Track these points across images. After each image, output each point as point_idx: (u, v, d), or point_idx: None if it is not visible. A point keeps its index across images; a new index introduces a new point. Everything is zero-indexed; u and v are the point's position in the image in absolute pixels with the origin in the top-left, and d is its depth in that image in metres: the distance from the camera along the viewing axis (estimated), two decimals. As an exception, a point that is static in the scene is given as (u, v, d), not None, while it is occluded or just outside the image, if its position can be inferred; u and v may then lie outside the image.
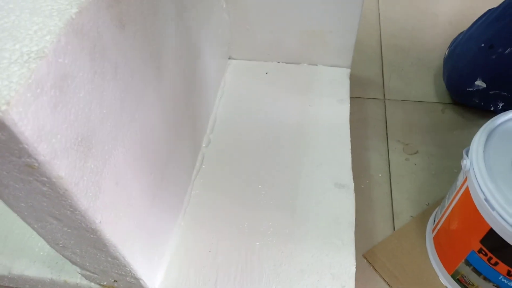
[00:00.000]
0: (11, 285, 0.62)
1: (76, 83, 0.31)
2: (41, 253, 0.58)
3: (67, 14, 0.30)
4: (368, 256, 0.63)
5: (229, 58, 0.83)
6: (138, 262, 0.46)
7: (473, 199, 0.47)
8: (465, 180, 0.50)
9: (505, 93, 0.73)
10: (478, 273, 0.51)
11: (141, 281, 0.49)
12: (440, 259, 0.59)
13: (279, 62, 0.81)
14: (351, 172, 0.63)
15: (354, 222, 0.58)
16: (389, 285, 0.60)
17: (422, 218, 0.66)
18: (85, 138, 0.33)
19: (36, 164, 0.29)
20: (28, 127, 0.26)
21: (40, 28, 0.29)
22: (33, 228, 0.41)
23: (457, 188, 0.52)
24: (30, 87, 0.26)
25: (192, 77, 0.61)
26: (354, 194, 0.60)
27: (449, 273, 0.57)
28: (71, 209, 0.34)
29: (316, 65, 0.80)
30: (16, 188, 0.33)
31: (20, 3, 0.31)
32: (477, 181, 0.46)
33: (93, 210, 0.35)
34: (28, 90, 0.26)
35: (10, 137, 0.26)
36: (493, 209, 0.44)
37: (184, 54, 0.56)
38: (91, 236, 0.38)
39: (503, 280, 0.50)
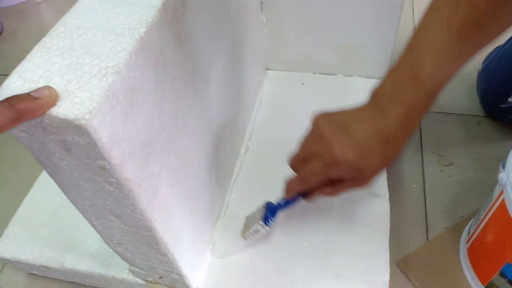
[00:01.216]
0: (61, 278, 0.66)
1: (142, 95, 0.34)
2: (91, 249, 0.62)
3: (136, 33, 0.34)
4: (401, 265, 0.64)
5: (266, 69, 0.86)
6: (184, 260, 0.49)
7: (509, 211, 0.48)
8: (501, 193, 0.50)
9: (538, 110, 0.73)
10: (514, 285, 0.52)
11: (185, 278, 0.52)
12: (474, 271, 0.59)
13: (314, 73, 0.84)
14: (386, 182, 0.65)
15: (388, 231, 0.59)
16: (422, 294, 0.61)
17: (456, 229, 0.67)
18: (148, 144, 0.36)
19: (108, 167, 0.32)
20: (105, 133, 0.30)
21: (114, 45, 0.33)
22: (92, 225, 0.45)
23: (493, 201, 0.53)
24: (108, 98, 0.30)
25: (234, 87, 0.65)
26: (389, 203, 0.62)
27: (483, 284, 0.58)
28: (132, 208, 0.37)
29: (351, 76, 0.82)
30: (84, 188, 0.37)
31: (95, 22, 0.35)
32: (514, 194, 0.47)
33: (151, 209, 0.39)
34: (106, 101, 0.30)
35: (89, 142, 0.30)
36: (530, 222, 0.45)
37: (228, 65, 0.59)
38: (146, 233, 0.42)
39: (538, 293, 0.50)
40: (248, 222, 0.58)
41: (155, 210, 0.40)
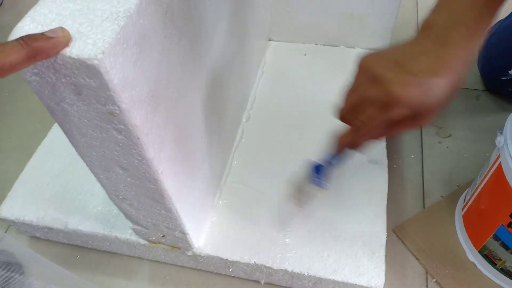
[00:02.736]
0: (64, 241, 0.68)
1: (151, 44, 0.35)
2: (94, 211, 0.63)
3: (146, -19, 0.34)
4: (397, 231, 0.65)
5: (269, 40, 0.86)
6: (188, 217, 0.50)
7: (505, 174, 0.49)
8: (498, 156, 0.52)
9: (539, 82, 0.74)
10: (506, 247, 0.54)
11: (187, 236, 0.53)
12: (469, 236, 0.61)
13: (317, 44, 0.84)
14: (385, 150, 0.66)
15: (386, 196, 0.61)
16: (417, 258, 0.63)
17: (452, 198, 0.68)
18: (155, 95, 0.37)
19: (117, 112, 0.33)
20: (116, 76, 0.31)
21: (124, -8, 0.33)
22: (99, 179, 0.46)
23: (490, 166, 0.54)
24: (119, 41, 0.30)
25: (237, 55, 0.65)
26: (387, 169, 0.63)
27: (476, 249, 0.59)
28: (139, 158, 0.38)
29: (354, 48, 0.82)
30: (93, 137, 0.37)
31: (105, -29, 0.35)
32: (510, 156, 0.48)
33: (157, 160, 0.40)
34: (118, 44, 0.30)
35: (100, 84, 0.30)
36: (525, 183, 0.46)
37: (231, 30, 0.60)
38: (152, 186, 0.42)
39: (531, 255, 0.52)
40: (297, 187, 0.54)
41: (161, 163, 0.41)
